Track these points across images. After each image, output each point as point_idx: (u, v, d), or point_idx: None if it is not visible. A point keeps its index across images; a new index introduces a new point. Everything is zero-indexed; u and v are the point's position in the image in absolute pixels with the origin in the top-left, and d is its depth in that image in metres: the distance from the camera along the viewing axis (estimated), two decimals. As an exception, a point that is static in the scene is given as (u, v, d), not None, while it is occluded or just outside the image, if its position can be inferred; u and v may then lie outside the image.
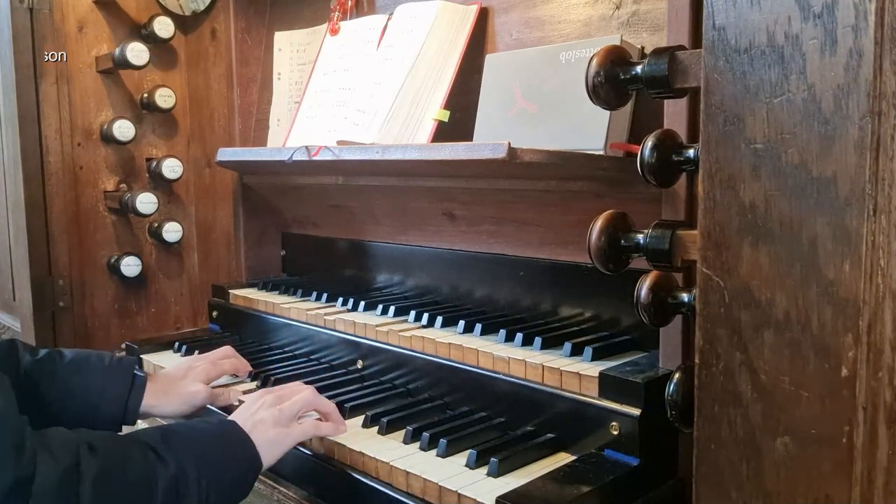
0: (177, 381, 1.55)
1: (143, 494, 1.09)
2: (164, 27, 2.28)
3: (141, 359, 1.53)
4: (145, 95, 2.35)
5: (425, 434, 1.33)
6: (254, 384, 1.71)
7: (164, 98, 2.32)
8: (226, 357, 1.68)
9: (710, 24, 0.83)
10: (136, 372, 1.50)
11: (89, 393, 1.43)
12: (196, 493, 1.14)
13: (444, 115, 1.69)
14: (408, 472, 1.23)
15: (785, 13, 0.77)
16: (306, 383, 1.49)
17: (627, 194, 1.34)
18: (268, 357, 1.88)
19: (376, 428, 1.42)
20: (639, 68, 1.01)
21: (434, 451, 1.31)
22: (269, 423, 1.31)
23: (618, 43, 1.35)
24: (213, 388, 1.60)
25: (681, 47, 1.02)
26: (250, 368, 1.74)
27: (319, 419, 1.43)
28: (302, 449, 1.42)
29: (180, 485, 1.12)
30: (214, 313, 2.21)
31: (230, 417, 1.34)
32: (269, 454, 1.28)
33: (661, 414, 1.02)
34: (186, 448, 1.18)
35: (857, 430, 0.74)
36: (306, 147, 1.75)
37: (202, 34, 2.40)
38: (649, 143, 1.01)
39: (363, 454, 1.31)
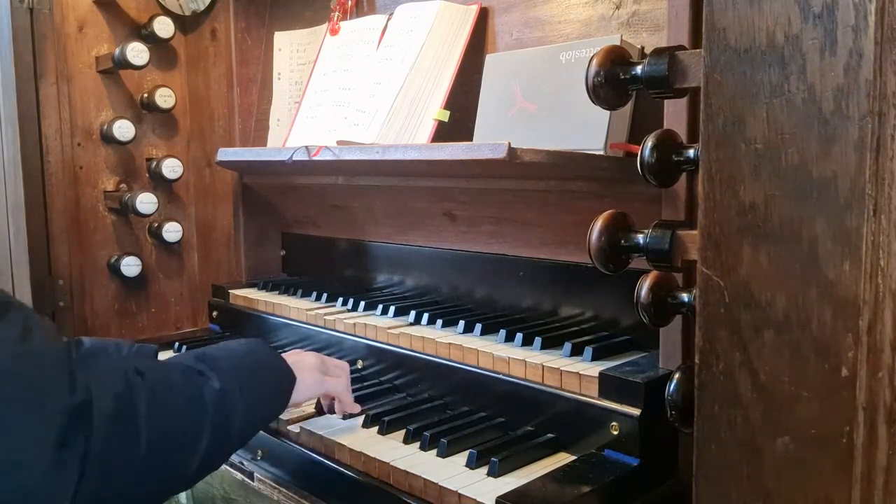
0: None
1: (195, 410, 1.10)
2: (164, 27, 2.28)
3: (157, 349, 1.53)
4: (145, 95, 2.35)
5: (425, 434, 1.33)
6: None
7: (164, 98, 2.32)
8: None
9: (710, 24, 0.83)
10: None
11: None
12: (241, 405, 1.16)
13: (444, 115, 1.69)
14: (408, 472, 1.23)
15: (785, 13, 0.77)
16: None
17: (627, 194, 1.34)
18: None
19: (376, 428, 1.42)
20: (639, 68, 1.01)
21: (434, 451, 1.31)
22: (311, 365, 1.38)
23: (618, 43, 1.35)
24: None
25: (681, 47, 1.02)
26: None
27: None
28: (302, 448, 1.42)
29: (227, 398, 1.14)
30: (214, 313, 2.22)
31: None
32: (302, 391, 1.34)
33: (661, 414, 1.02)
34: (224, 364, 1.20)
35: (857, 430, 0.74)
36: (306, 147, 1.75)
37: (202, 34, 2.39)
38: (649, 143, 1.01)
39: (363, 454, 1.31)
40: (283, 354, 1.39)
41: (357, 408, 1.48)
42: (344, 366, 1.51)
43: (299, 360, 1.38)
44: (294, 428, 1.46)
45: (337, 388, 1.44)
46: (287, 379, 1.31)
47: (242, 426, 1.17)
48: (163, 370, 1.12)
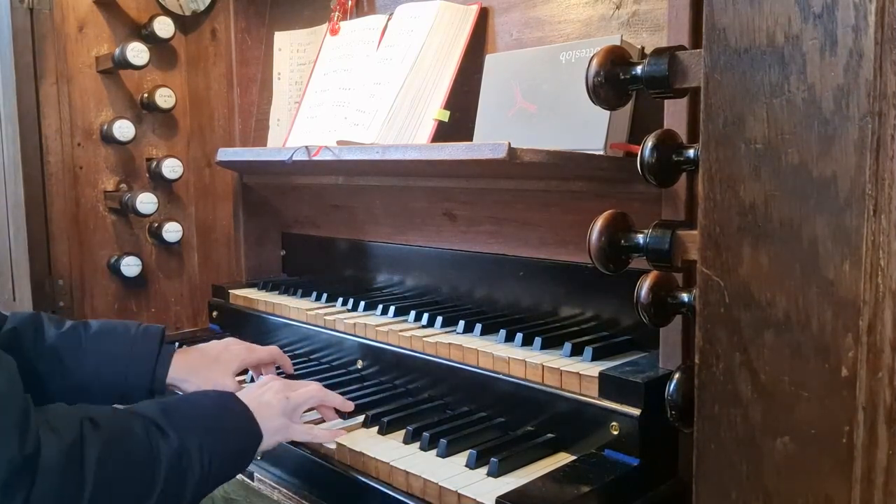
0: (208, 364, 1.52)
1: (147, 467, 1.08)
2: (164, 27, 2.28)
3: (164, 330, 1.52)
4: (145, 95, 2.35)
5: (425, 434, 1.33)
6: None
7: (164, 98, 2.32)
8: (273, 354, 1.65)
9: (710, 24, 0.83)
10: (163, 342, 1.49)
11: (116, 363, 1.42)
12: (199, 466, 1.14)
13: (444, 115, 1.69)
14: (408, 472, 1.23)
15: (785, 13, 0.77)
16: (306, 383, 1.49)
17: (627, 194, 1.34)
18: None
19: (376, 428, 1.42)
20: (639, 68, 1.01)
21: (434, 451, 1.31)
22: (276, 411, 1.32)
23: (618, 43, 1.35)
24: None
25: (681, 47, 1.02)
26: (292, 370, 1.70)
27: (321, 419, 1.46)
28: (302, 449, 1.42)
29: (184, 458, 1.12)
30: (214, 313, 2.21)
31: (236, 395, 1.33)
32: (267, 441, 1.29)
33: (661, 414, 1.02)
34: (188, 421, 1.17)
35: (857, 430, 0.74)
36: (306, 147, 1.75)
37: (202, 34, 2.40)
38: (649, 143, 1.01)
39: (363, 454, 1.31)
40: (247, 392, 1.34)
41: (349, 405, 1.47)
42: (310, 391, 1.43)
43: (264, 406, 1.31)
44: (294, 428, 1.46)
45: (303, 437, 1.37)
46: (252, 439, 1.27)
47: (197, 487, 1.15)
48: (121, 422, 1.10)
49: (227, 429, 1.24)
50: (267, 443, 1.29)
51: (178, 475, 1.11)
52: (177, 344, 1.55)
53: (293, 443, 1.44)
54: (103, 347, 1.43)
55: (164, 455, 1.10)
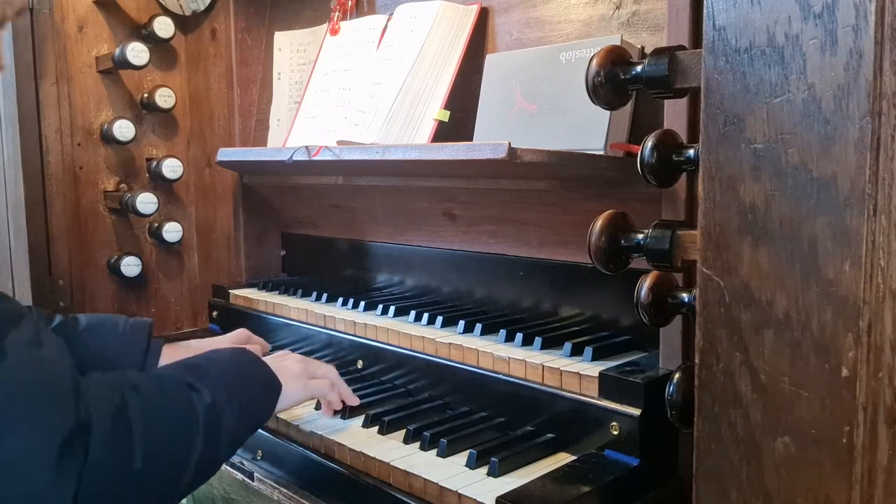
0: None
1: (187, 422, 1.10)
2: (164, 27, 2.28)
3: (152, 323, 1.54)
4: (145, 95, 2.35)
5: (425, 434, 1.34)
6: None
7: (164, 98, 2.32)
8: (240, 339, 1.68)
9: (710, 24, 0.83)
10: (151, 336, 1.50)
11: (106, 358, 1.43)
12: (231, 415, 1.16)
13: (445, 115, 1.69)
14: (408, 472, 1.23)
15: (785, 13, 0.77)
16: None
17: (627, 194, 1.34)
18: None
19: (376, 428, 1.42)
20: (639, 68, 1.01)
21: (434, 451, 1.31)
22: (294, 374, 1.36)
23: (618, 43, 1.35)
24: None
25: (681, 47, 1.02)
26: (269, 348, 1.75)
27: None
28: (302, 448, 1.42)
29: (217, 408, 1.14)
30: (215, 313, 2.21)
31: None
32: (287, 394, 1.33)
33: (661, 414, 1.02)
34: (212, 374, 1.19)
35: (857, 430, 0.74)
36: (306, 147, 1.75)
37: (202, 34, 2.39)
38: (649, 143, 1.00)
39: (363, 454, 1.31)
40: (266, 359, 1.37)
41: (356, 400, 1.48)
42: (328, 368, 1.49)
43: (283, 368, 1.36)
44: (294, 428, 1.46)
45: (321, 390, 1.42)
46: (273, 387, 1.30)
47: (231, 437, 1.17)
48: (156, 384, 1.12)
49: (249, 377, 1.26)
50: (287, 400, 1.33)
51: (214, 427, 1.13)
52: (162, 340, 1.54)
53: (293, 442, 1.44)
54: (93, 343, 1.44)
55: (200, 409, 1.11)
